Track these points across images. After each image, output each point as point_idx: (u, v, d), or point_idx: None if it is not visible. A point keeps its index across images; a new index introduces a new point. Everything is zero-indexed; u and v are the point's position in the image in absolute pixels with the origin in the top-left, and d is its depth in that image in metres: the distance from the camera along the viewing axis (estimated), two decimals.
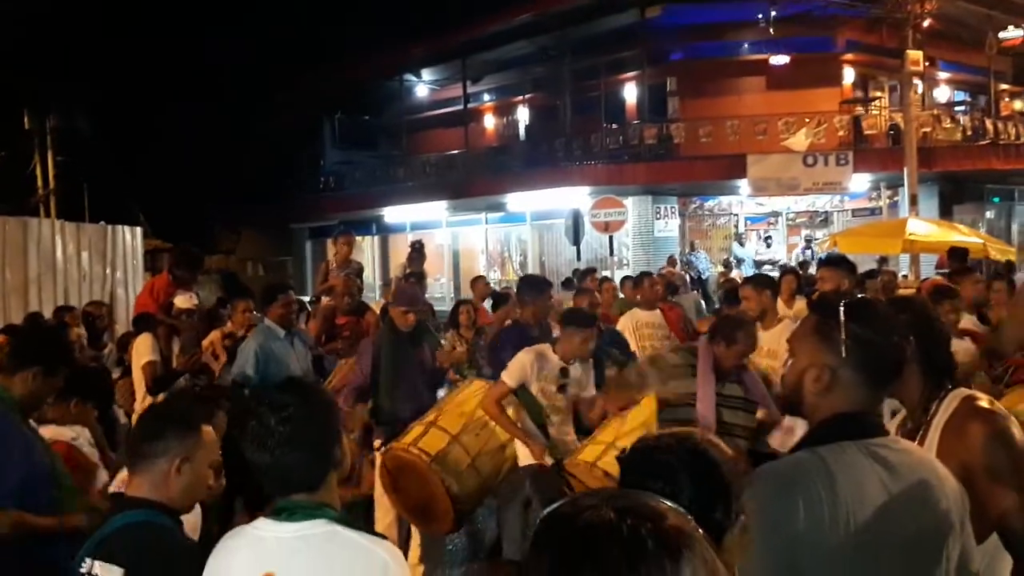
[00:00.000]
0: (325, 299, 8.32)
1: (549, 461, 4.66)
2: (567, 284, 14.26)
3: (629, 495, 1.02)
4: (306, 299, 11.04)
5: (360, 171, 26.49)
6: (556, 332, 5.47)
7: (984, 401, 2.31)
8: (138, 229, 14.75)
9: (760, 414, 4.37)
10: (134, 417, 6.03)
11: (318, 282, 9.30)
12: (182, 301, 6.28)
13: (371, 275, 24.48)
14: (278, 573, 1.85)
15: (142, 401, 5.90)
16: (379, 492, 5.36)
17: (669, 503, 1.00)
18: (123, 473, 3.06)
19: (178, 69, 25.63)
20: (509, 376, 4.94)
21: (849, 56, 20.73)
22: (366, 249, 26.81)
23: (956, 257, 9.29)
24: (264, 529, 1.94)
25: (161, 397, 5.56)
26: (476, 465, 4.81)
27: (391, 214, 24.72)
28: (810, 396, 1.90)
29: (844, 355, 1.84)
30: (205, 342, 6.40)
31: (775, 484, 1.76)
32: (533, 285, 6.31)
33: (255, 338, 5.87)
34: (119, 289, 13.46)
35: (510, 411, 4.96)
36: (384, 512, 5.47)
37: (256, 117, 25.79)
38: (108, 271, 13.42)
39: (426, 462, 4.66)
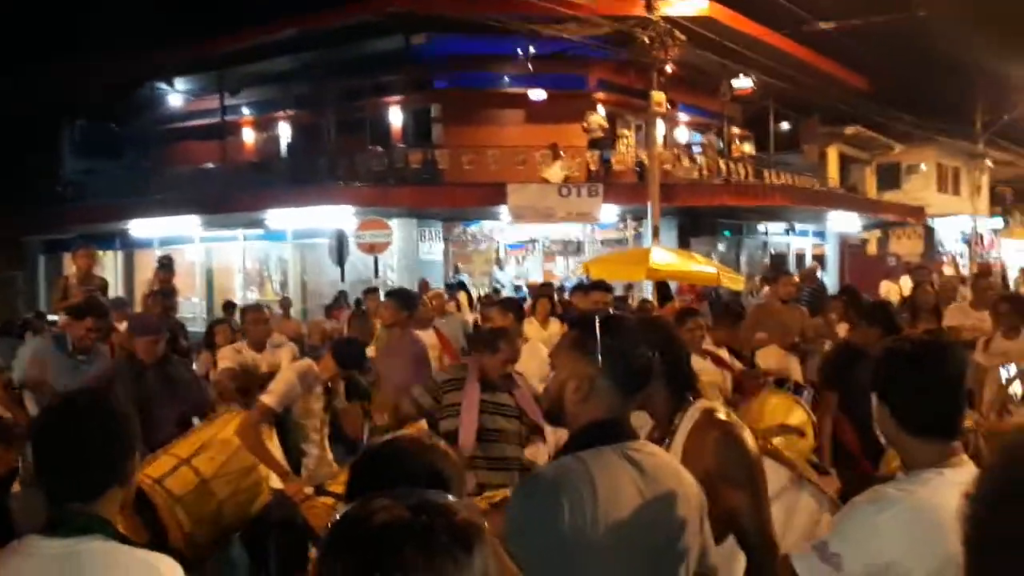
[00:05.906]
0: (63, 317, 7.71)
1: (309, 491, 4.41)
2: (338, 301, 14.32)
3: (417, 493, 1.03)
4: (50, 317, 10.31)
5: (103, 181, 24.46)
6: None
7: (722, 413, 2.56)
8: None
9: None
10: None
11: (56, 299, 8.59)
12: None
13: (115, 293, 22.69)
14: None
15: None
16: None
17: (455, 498, 1.03)
18: None
19: None
20: (274, 398, 4.61)
21: (600, 95, 22.06)
22: (108, 265, 24.88)
23: (661, 292, 9.75)
24: (33, 546, 1.79)
25: None
26: (212, 489, 4.38)
27: (137, 228, 23.04)
28: (571, 405, 2.01)
29: (599, 365, 1.98)
30: None
31: (544, 488, 1.86)
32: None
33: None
34: None
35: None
36: None
37: None
38: None
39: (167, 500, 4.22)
